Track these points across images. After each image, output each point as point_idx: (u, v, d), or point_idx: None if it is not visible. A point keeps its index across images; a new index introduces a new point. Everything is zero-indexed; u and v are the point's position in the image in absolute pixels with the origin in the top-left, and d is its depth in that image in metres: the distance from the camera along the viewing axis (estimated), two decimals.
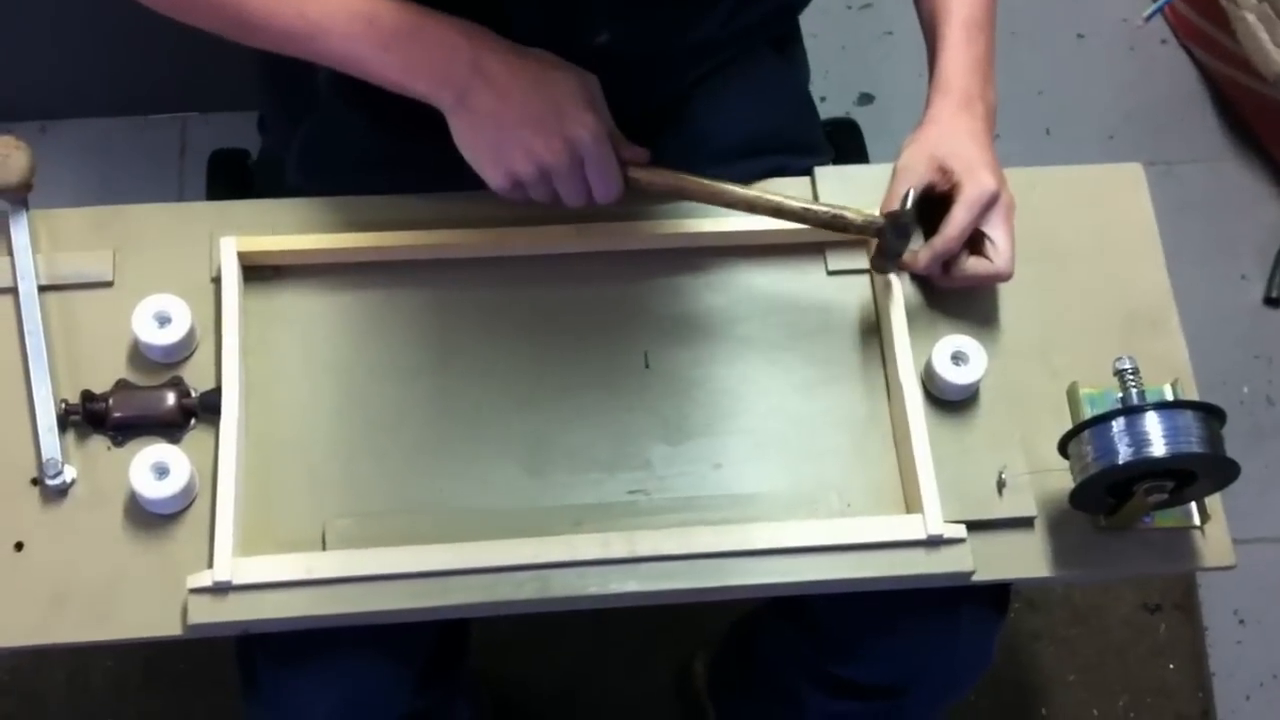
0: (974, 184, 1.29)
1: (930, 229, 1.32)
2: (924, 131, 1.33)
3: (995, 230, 1.30)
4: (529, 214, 1.31)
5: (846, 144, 1.66)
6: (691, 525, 1.24)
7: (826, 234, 1.34)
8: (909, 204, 1.26)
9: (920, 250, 1.31)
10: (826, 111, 1.63)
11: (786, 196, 1.28)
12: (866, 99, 2.50)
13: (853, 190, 1.36)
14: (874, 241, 1.30)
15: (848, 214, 1.27)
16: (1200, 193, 2.44)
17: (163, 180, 2.36)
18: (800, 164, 1.41)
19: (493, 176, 1.23)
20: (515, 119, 1.20)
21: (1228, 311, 2.31)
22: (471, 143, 1.22)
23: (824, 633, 1.41)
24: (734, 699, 1.90)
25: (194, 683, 2.03)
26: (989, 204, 1.29)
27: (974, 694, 2.03)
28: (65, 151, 2.38)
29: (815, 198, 1.36)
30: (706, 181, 1.27)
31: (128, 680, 2.05)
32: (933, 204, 1.31)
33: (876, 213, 1.28)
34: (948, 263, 1.31)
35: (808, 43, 1.60)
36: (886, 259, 1.29)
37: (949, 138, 1.31)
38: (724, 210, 1.33)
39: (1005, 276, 1.31)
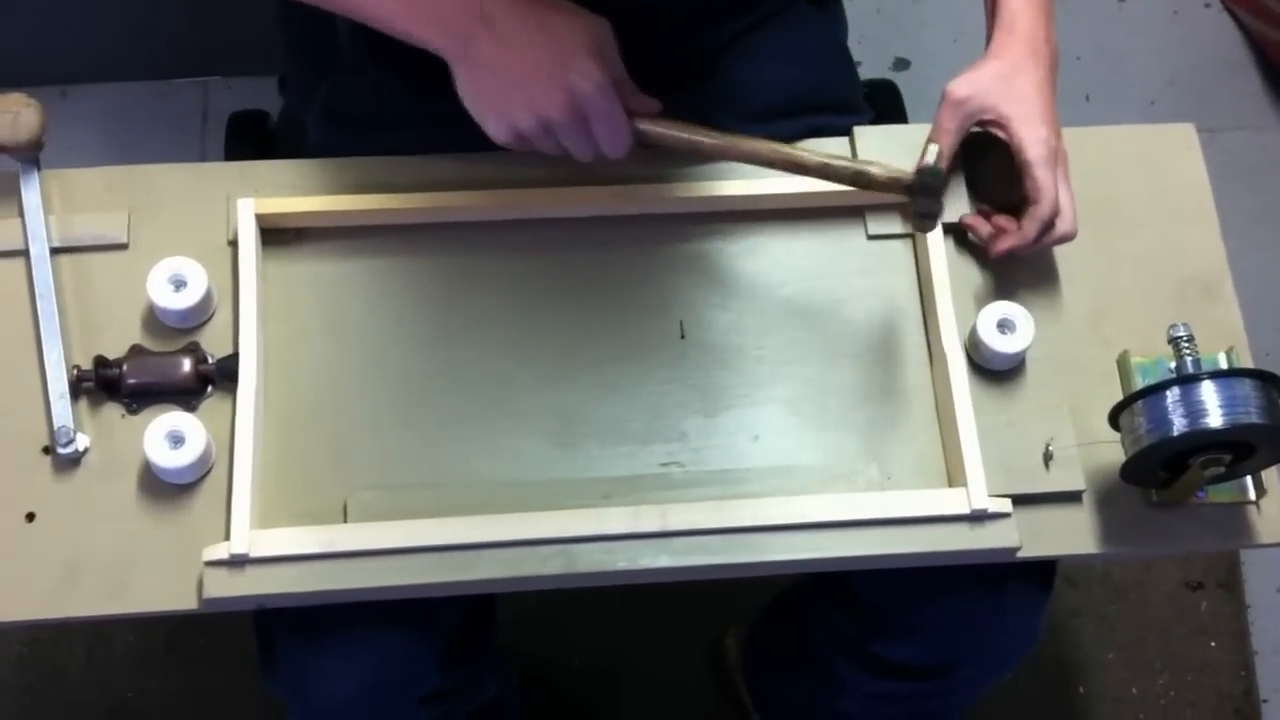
0: (1035, 140, 1.24)
1: (975, 173, 1.31)
2: (983, 67, 1.27)
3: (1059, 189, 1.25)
4: (559, 175, 1.29)
5: (886, 106, 1.62)
6: (726, 499, 1.20)
7: (866, 196, 1.29)
8: (935, 159, 1.19)
9: (1026, 223, 1.26)
10: (862, 75, 1.58)
11: (804, 150, 1.22)
12: (902, 64, 2.46)
13: (894, 151, 1.31)
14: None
15: (872, 169, 1.21)
16: (1245, 160, 2.40)
17: (184, 145, 2.35)
18: (840, 123, 1.37)
19: (494, 128, 1.19)
20: (516, 68, 1.16)
21: (1274, 280, 2.28)
22: (472, 93, 1.18)
23: (864, 610, 1.38)
24: (769, 677, 1.88)
25: (216, 657, 2.03)
26: (1054, 159, 1.24)
27: (1011, 672, 2.01)
28: (86, 116, 2.37)
29: (854, 158, 1.32)
30: (719, 135, 1.22)
31: (149, 654, 2.04)
32: (982, 146, 1.28)
33: (905, 168, 1.22)
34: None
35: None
36: (920, 218, 1.23)
37: (1008, 81, 1.26)
38: (761, 171, 1.29)
39: (1071, 236, 1.27)
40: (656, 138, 1.22)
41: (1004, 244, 1.27)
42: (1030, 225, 1.25)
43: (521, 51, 1.15)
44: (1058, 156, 1.25)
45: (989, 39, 1.29)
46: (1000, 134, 1.27)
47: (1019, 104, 1.25)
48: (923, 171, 1.19)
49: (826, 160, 1.21)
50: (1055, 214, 1.25)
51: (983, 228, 1.29)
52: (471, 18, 1.15)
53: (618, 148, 1.20)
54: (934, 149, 1.18)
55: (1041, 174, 1.24)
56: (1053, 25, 1.29)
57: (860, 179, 1.21)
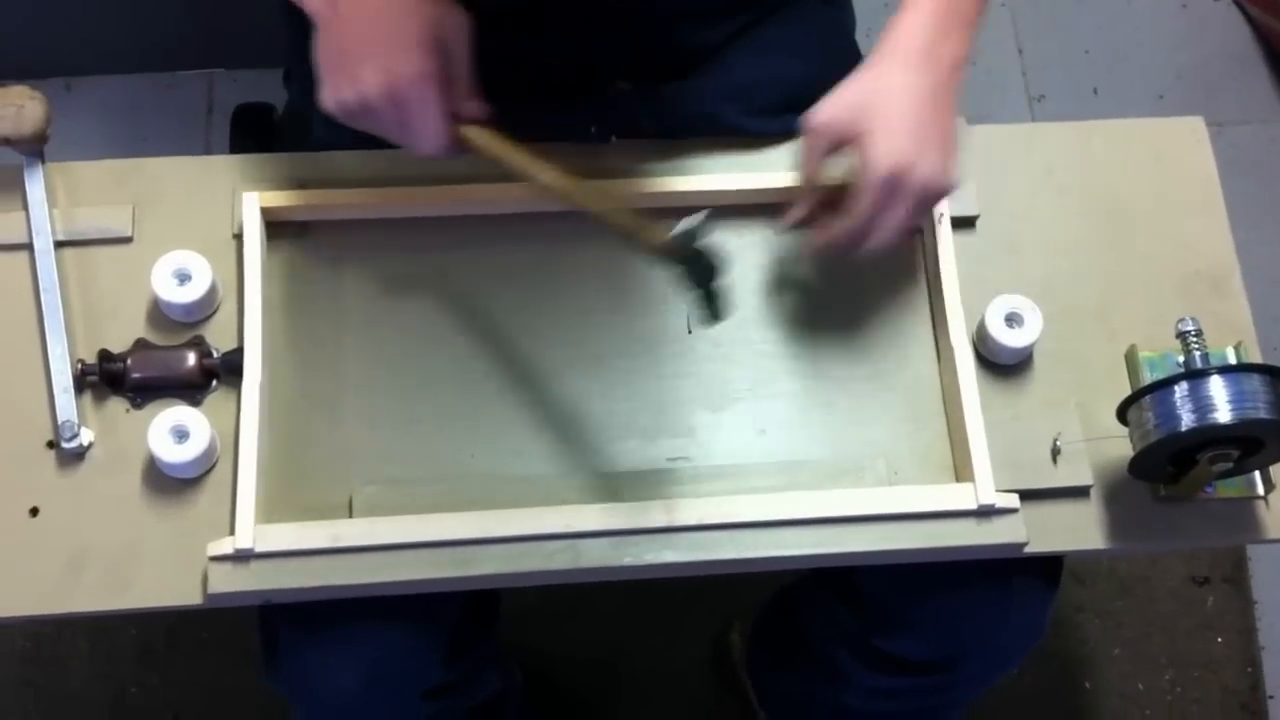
0: (879, 155, 1.15)
1: None
2: (848, 84, 1.20)
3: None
4: (570, 168, 1.27)
5: None
6: (733, 494, 1.20)
7: None
8: (694, 225, 1.08)
9: (820, 228, 1.22)
10: None
11: (596, 197, 1.15)
12: None
13: None
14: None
15: (643, 234, 1.11)
16: (1253, 154, 2.39)
17: (189, 138, 2.35)
18: None
19: (322, 95, 1.16)
20: (350, 41, 1.14)
21: None
22: (317, 57, 1.16)
23: (869, 605, 1.37)
24: (773, 672, 1.87)
25: (219, 651, 2.03)
26: (893, 178, 1.15)
27: (1016, 667, 2.01)
28: (90, 109, 2.36)
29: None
30: (527, 161, 1.15)
31: (151, 648, 2.05)
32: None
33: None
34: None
35: None
36: (693, 307, 1.14)
37: (871, 93, 1.18)
38: (770, 165, 1.31)
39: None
40: (473, 144, 1.17)
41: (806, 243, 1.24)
42: (823, 234, 1.22)
43: (358, 26, 1.13)
44: (912, 175, 1.16)
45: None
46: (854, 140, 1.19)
47: (878, 118, 1.17)
48: (677, 237, 1.09)
49: (611, 210, 1.14)
50: (858, 233, 1.19)
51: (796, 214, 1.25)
52: None
53: (426, 145, 1.16)
54: (697, 216, 1.09)
55: (866, 192, 1.17)
56: (959, 38, 1.20)
57: (632, 237, 1.13)
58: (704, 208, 1.09)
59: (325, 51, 1.15)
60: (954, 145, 1.18)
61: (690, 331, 1.27)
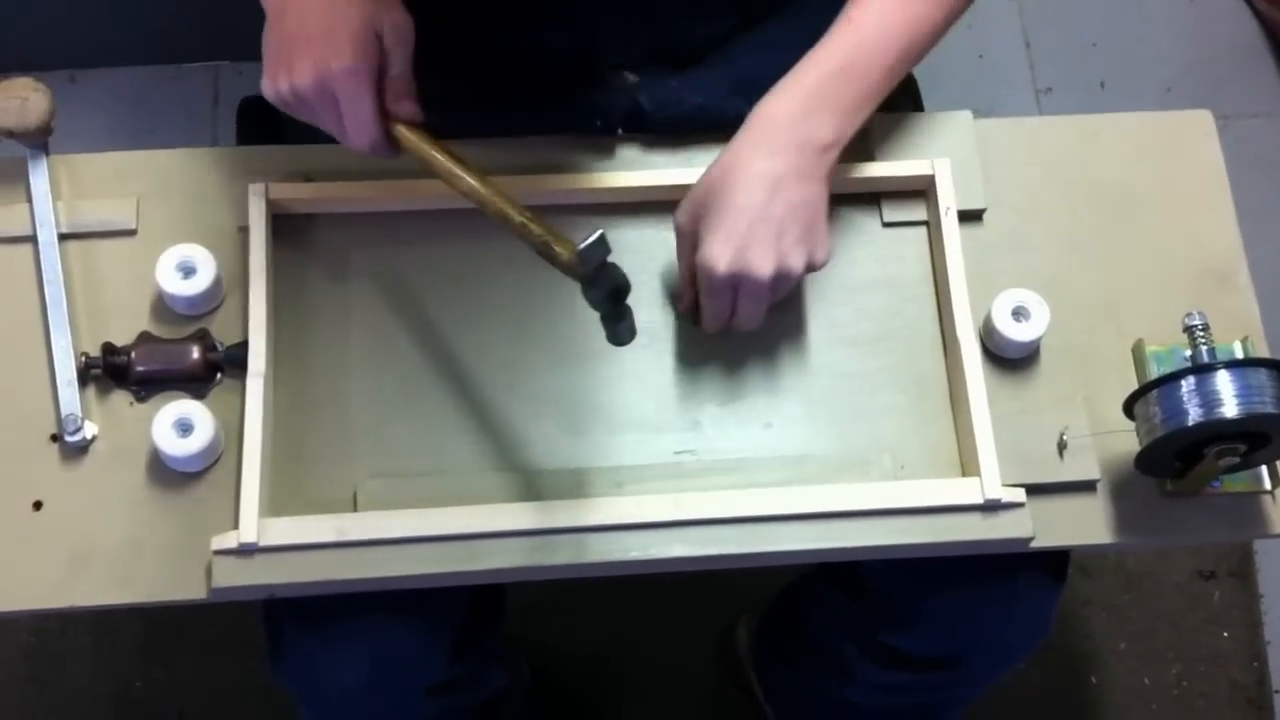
0: (703, 259, 1.18)
1: None
2: (701, 179, 1.21)
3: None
4: (572, 161, 1.28)
5: (901, 95, 1.60)
6: (739, 488, 1.19)
7: (881, 183, 1.30)
8: (592, 243, 1.04)
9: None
10: None
11: (517, 208, 1.12)
12: None
13: (907, 139, 1.32)
14: (931, 193, 1.25)
15: (556, 247, 1.08)
16: (1260, 147, 2.38)
17: (195, 131, 2.34)
18: None
19: (262, 84, 1.18)
20: (290, 33, 1.15)
21: None
22: (264, 47, 1.17)
23: (875, 600, 1.37)
24: (778, 667, 1.87)
25: (224, 647, 2.03)
26: (729, 282, 1.19)
27: (1022, 661, 2.00)
28: (95, 102, 2.36)
29: (871, 146, 1.31)
30: (451, 165, 1.15)
31: (155, 643, 2.04)
32: None
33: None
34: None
35: None
36: (603, 321, 1.12)
37: (719, 191, 1.18)
38: None
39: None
40: (404, 145, 1.18)
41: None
42: (703, 322, 1.24)
43: (301, 19, 1.14)
44: (748, 276, 1.17)
45: None
46: None
47: (713, 217, 1.18)
48: (581, 253, 1.05)
49: (523, 222, 1.11)
50: (723, 323, 1.23)
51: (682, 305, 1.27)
52: None
53: (357, 139, 1.16)
54: (597, 232, 1.04)
55: (706, 295, 1.21)
56: (829, 122, 1.19)
57: (545, 250, 1.10)
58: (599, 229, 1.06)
59: (268, 41, 1.17)
60: (813, 229, 1.18)
61: (697, 324, 1.26)
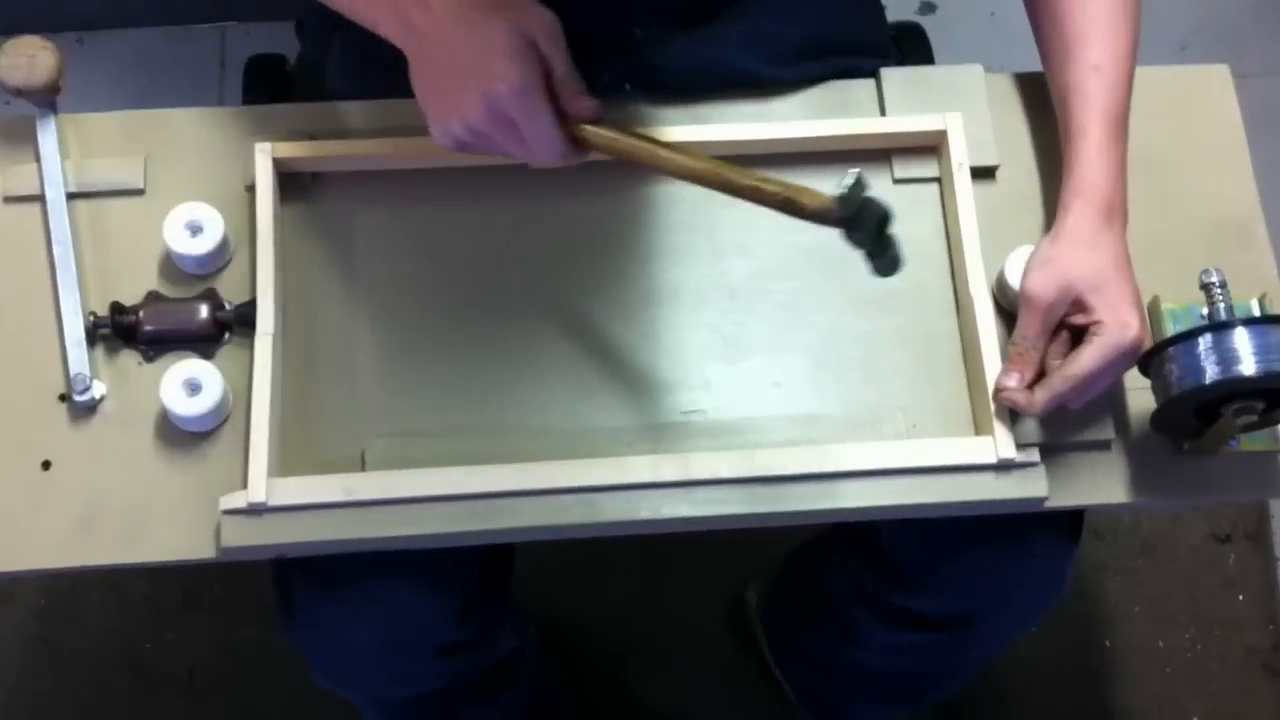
0: (1118, 328, 1.13)
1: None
2: (1061, 249, 1.17)
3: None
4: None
5: (912, 50, 1.59)
6: (749, 447, 1.18)
7: (892, 139, 1.29)
8: (854, 184, 1.03)
9: (1038, 390, 1.17)
10: (888, 19, 1.55)
11: (741, 171, 1.09)
12: (928, 8, 2.44)
13: (922, 94, 1.30)
14: (943, 148, 1.24)
15: (802, 198, 1.06)
16: (1277, 106, 2.35)
17: (202, 92, 2.34)
18: (866, 65, 1.34)
19: (433, 132, 1.12)
20: (442, 68, 1.09)
21: None
22: (416, 91, 1.11)
23: (887, 561, 1.36)
24: (790, 630, 1.87)
25: (234, 609, 2.04)
26: (1129, 355, 1.15)
27: (1036, 625, 2.00)
28: (103, 63, 2.36)
29: (882, 102, 1.30)
30: (655, 148, 1.12)
31: (167, 605, 2.05)
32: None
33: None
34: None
35: None
36: (868, 258, 1.08)
37: (1092, 264, 1.16)
38: (784, 115, 1.30)
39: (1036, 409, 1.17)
40: (595, 144, 1.13)
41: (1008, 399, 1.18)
42: (1040, 394, 1.16)
43: (448, 52, 1.08)
44: (1136, 350, 1.15)
45: (1063, 205, 1.20)
46: (1079, 319, 1.17)
47: (1100, 295, 1.15)
48: (842, 199, 1.03)
49: (758, 183, 1.08)
50: (1070, 398, 1.16)
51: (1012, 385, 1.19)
52: (414, 6, 1.09)
53: (546, 153, 1.11)
54: (852, 175, 1.03)
55: (1091, 353, 1.14)
56: (1124, 175, 1.21)
57: (788, 206, 1.07)
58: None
59: (420, 84, 1.10)
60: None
61: (706, 283, 1.25)
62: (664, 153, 1.11)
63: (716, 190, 1.10)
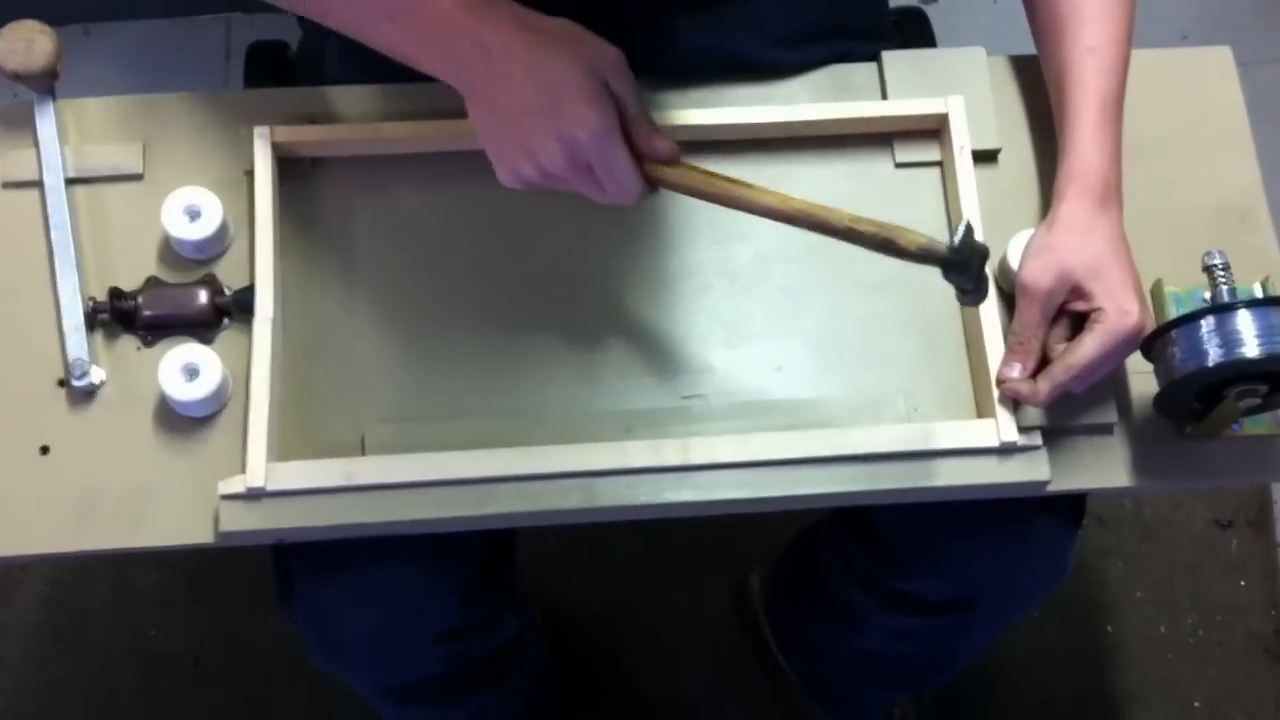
0: (1118, 315, 1.13)
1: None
2: (1057, 237, 1.16)
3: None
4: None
5: (914, 35, 1.59)
6: (749, 431, 1.18)
7: (894, 123, 1.28)
8: (963, 235, 1.02)
9: (1040, 380, 1.16)
10: (891, 3, 1.55)
11: (830, 210, 1.07)
12: None
13: (923, 78, 1.30)
14: (945, 132, 1.23)
15: (900, 240, 1.04)
16: (1277, 95, 2.35)
17: (207, 82, 2.35)
18: (868, 49, 1.34)
19: (501, 176, 1.09)
20: (512, 112, 1.04)
21: None
22: (481, 134, 1.08)
23: (888, 546, 1.36)
24: (791, 616, 1.87)
25: (239, 596, 2.04)
26: (1130, 342, 1.14)
27: (1038, 610, 2.02)
28: (108, 54, 2.36)
29: (883, 85, 1.29)
30: (735, 190, 1.09)
31: (171, 592, 2.05)
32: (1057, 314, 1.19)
33: (940, 239, 1.05)
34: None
35: None
36: (960, 293, 1.09)
37: (1088, 250, 1.15)
38: (785, 99, 1.29)
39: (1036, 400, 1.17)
40: (671, 183, 1.10)
41: (1011, 389, 1.18)
42: (1043, 384, 1.16)
43: (515, 93, 1.04)
44: (1137, 336, 1.14)
45: (1058, 193, 1.19)
46: (1079, 306, 1.16)
47: (1099, 282, 1.15)
48: (954, 249, 1.03)
49: (851, 224, 1.06)
50: (1073, 386, 1.15)
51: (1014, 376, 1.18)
52: (470, 47, 1.04)
53: (623, 195, 1.08)
54: (963, 225, 1.02)
55: (1092, 342, 1.13)
56: (1119, 159, 1.20)
57: (887, 246, 1.05)
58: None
59: (483, 124, 1.07)
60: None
61: (707, 268, 1.25)
62: (744, 194, 1.08)
63: (806, 230, 1.08)
